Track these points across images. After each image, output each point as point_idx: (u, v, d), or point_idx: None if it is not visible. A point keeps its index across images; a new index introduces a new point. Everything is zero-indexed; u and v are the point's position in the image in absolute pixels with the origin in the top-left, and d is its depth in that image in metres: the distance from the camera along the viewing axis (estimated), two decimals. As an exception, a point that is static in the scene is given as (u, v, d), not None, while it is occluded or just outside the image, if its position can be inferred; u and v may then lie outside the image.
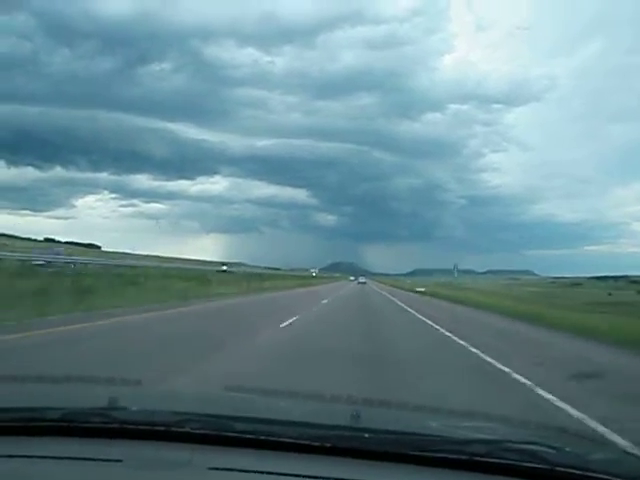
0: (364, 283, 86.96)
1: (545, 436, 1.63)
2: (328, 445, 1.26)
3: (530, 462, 1.21)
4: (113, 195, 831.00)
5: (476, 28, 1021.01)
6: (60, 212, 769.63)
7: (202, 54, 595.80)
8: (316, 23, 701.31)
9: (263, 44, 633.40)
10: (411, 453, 1.25)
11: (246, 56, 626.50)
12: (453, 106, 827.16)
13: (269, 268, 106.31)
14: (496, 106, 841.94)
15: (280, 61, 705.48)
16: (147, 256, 61.32)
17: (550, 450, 1.26)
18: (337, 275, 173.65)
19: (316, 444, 1.26)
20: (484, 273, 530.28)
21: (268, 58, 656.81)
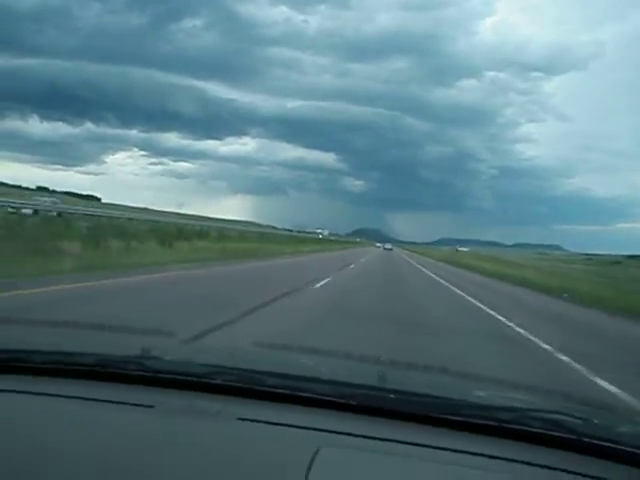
0: (390, 249, 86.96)
1: (572, 407, 1.61)
2: (354, 403, 1.29)
3: (557, 431, 1.20)
4: (143, 153, 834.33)
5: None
6: (91, 167, 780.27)
7: (234, 11, 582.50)
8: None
9: (297, 2, 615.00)
10: (435, 415, 1.26)
11: (279, 14, 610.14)
12: (490, 73, 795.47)
13: (293, 230, 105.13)
14: (535, 74, 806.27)
15: (314, 20, 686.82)
16: (168, 212, 60.55)
17: (577, 420, 1.26)
18: (359, 240, 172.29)
19: (342, 401, 1.29)
20: (511, 246, 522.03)
21: (302, 17, 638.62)
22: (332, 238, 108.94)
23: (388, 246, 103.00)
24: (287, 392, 1.32)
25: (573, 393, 3.38)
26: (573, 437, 1.19)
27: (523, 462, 1.14)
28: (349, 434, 1.19)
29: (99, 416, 1.22)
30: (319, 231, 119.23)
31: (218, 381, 1.34)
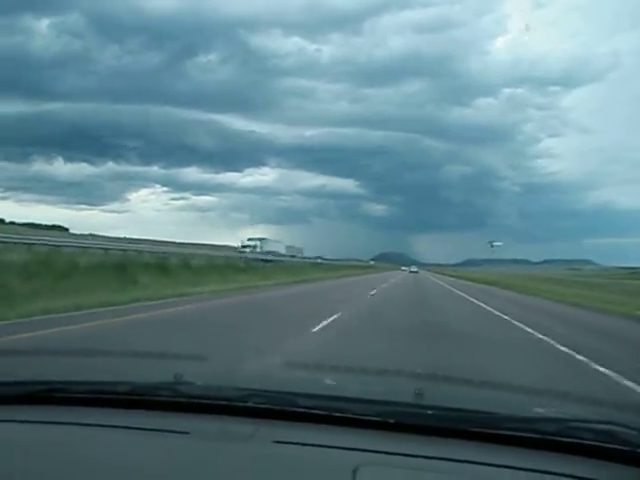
0: (416, 272, 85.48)
1: (623, 416, 1.52)
2: (391, 421, 1.26)
3: (608, 443, 1.15)
4: (165, 188, 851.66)
5: (532, 6, 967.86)
6: (115, 206, 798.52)
7: (248, 44, 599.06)
8: (363, 8, 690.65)
9: (309, 32, 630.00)
10: (477, 430, 1.22)
11: (292, 45, 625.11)
12: (507, 90, 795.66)
13: (323, 259, 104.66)
14: (553, 88, 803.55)
15: (327, 49, 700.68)
16: (195, 244, 59.69)
17: (630, 431, 1.19)
18: (386, 265, 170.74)
19: (379, 420, 1.27)
20: (540, 263, 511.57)
21: (315, 46, 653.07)
22: (377, 265, 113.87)
23: (414, 269, 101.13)
24: (322, 412, 1.30)
25: (625, 403, 3.20)
26: (627, 448, 1.14)
27: (572, 476, 1.09)
28: (387, 452, 1.16)
29: (136, 444, 1.22)
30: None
31: (250, 404, 1.33)
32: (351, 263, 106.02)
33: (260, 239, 58.11)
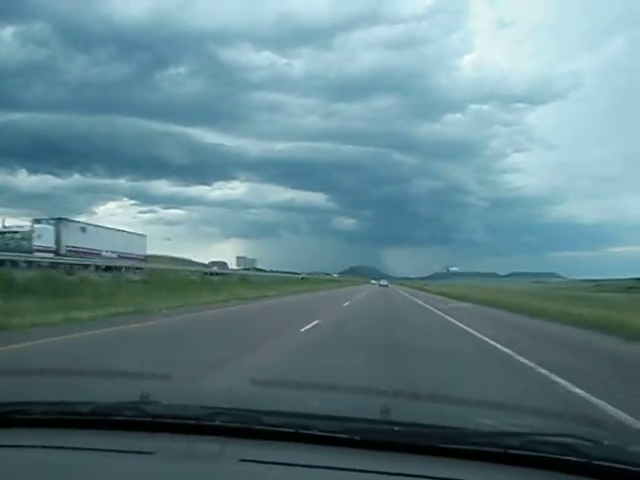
0: (386, 286, 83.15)
1: (580, 429, 1.59)
2: (357, 438, 1.27)
3: (567, 455, 1.19)
4: (132, 201, 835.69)
5: (497, 25, 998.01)
6: (81, 219, 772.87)
7: (218, 57, 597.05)
8: (333, 24, 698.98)
9: (280, 46, 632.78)
10: (442, 446, 1.24)
11: (263, 59, 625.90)
12: (474, 106, 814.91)
13: (287, 272, 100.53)
14: (518, 105, 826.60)
15: (297, 64, 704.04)
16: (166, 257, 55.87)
17: (587, 443, 1.24)
18: (355, 279, 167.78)
19: (345, 437, 1.27)
20: (507, 276, 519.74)
21: (285, 60, 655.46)
22: (344, 279, 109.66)
23: (384, 282, 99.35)
24: (289, 430, 1.29)
25: (581, 415, 3.37)
26: (584, 460, 1.17)
27: None
28: (355, 470, 1.16)
29: (100, 466, 1.20)
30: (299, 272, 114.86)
31: (217, 422, 1.32)
32: (315, 277, 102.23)
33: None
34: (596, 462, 1.17)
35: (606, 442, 1.32)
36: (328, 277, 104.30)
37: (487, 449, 1.23)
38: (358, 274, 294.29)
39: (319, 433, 1.28)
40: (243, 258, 61.39)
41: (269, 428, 1.30)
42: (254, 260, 64.27)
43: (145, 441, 1.29)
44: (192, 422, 1.34)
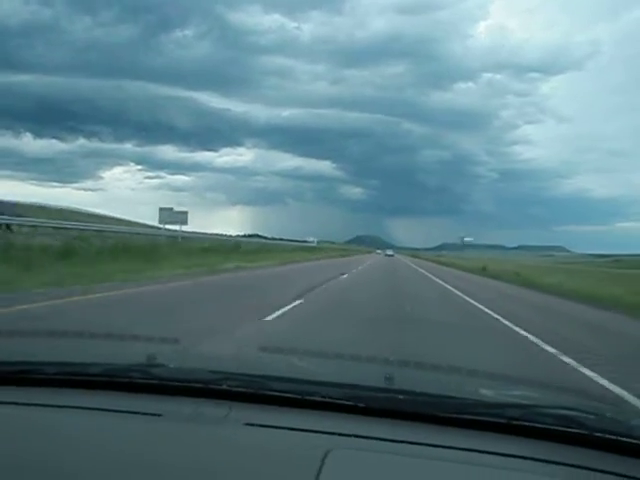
0: (392, 256, 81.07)
1: (582, 402, 1.61)
2: (361, 405, 1.28)
3: (569, 427, 1.20)
4: (139, 167, 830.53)
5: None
6: (88, 184, 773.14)
7: (226, 20, 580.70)
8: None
9: (289, 9, 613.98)
10: (445, 415, 1.25)
11: (272, 22, 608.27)
12: (487, 75, 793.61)
13: (292, 240, 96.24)
14: (532, 75, 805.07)
15: (307, 27, 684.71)
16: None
17: (589, 415, 1.26)
18: (360, 248, 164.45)
19: (349, 404, 1.28)
20: (514, 248, 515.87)
21: (294, 24, 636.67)
22: (324, 246, 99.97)
23: (390, 252, 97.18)
24: (294, 396, 1.31)
25: (585, 389, 3.41)
26: (585, 432, 1.19)
27: (534, 459, 1.13)
28: (358, 436, 1.18)
29: (107, 426, 1.22)
30: (311, 239, 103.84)
31: (224, 387, 1.34)
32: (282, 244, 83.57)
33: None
34: (597, 434, 1.18)
35: (608, 414, 1.34)
36: (303, 245, 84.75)
37: (490, 419, 1.24)
38: (363, 243, 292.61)
39: (323, 399, 1.29)
40: (169, 211, 40.81)
41: (275, 393, 1.31)
42: (185, 214, 41.53)
43: (153, 403, 1.31)
44: (199, 385, 1.35)
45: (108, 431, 1.18)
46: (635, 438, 1.16)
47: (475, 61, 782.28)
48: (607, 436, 1.17)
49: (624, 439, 1.16)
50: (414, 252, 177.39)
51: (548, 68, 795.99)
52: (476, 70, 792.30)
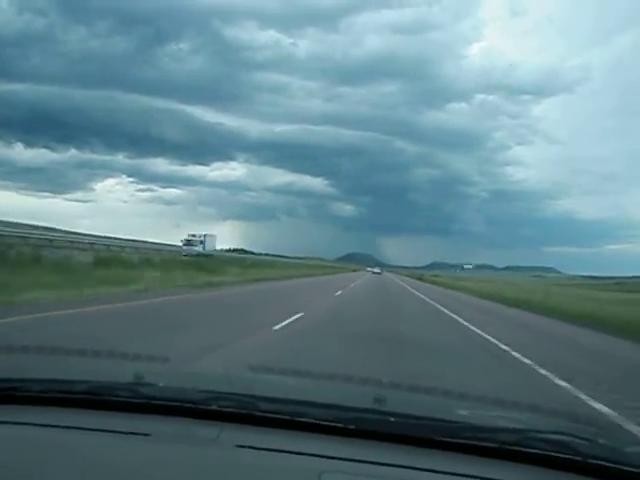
0: (379, 274, 77.92)
1: (576, 427, 1.58)
2: (352, 427, 1.26)
3: (561, 453, 1.18)
4: (131, 179, 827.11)
5: (508, 14, 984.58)
6: (79, 195, 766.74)
7: (221, 35, 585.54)
8: (340, 5, 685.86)
9: (285, 25, 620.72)
10: (437, 439, 1.23)
11: (267, 38, 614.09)
12: (480, 96, 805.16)
13: (281, 256, 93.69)
14: (525, 97, 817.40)
15: (302, 44, 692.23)
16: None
17: (582, 441, 1.23)
18: (350, 265, 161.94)
19: (340, 426, 1.26)
20: (504, 269, 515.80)
21: (290, 40, 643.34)
22: (313, 263, 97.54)
23: (377, 270, 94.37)
24: (286, 417, 1.29)
25: (577, 413, 3.25)
26: (578, 458, 1.17)
27: None
28: (350, 460, 1.16)
29: (95, 446, 1.18)
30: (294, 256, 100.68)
31: (214, 407, 1.31)
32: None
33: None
34: (591, 460, 1.17)
35: (601, 441, 1.31)
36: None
37: (482, 444, 1.22)
38: (354, 261, 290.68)
39: (315, 421, 1.27)
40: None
41: (266, 414, 1.29)
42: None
43: (141, 423, 1.28)
44: (189, 405, 1.32)
45: (95, 451, 1.15)
46: (629, 465, 1.15)
47: (468, 82, 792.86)
48: (601, 463, 1.15)
49: (618, 466, 1.15)
50: (400, 270, 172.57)
51: (540, 90, 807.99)
52: (469, 91, 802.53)
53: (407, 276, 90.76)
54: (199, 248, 52.34)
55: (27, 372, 1.60)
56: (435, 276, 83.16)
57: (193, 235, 55.82)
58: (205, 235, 57.42)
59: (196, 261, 33.02)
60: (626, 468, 1.14)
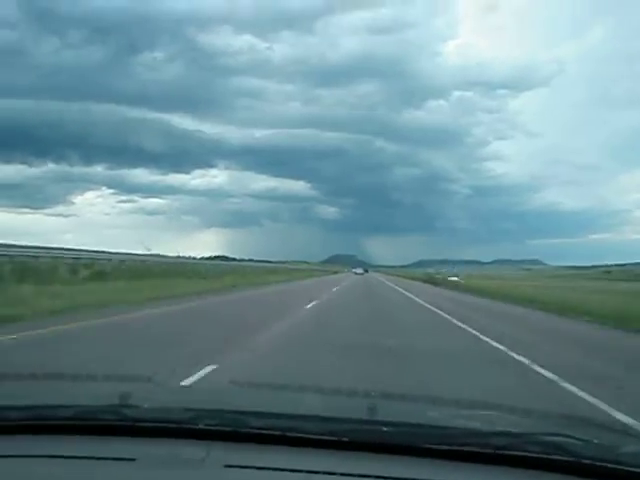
0: (361, 274, 75.43)
1: (570, 428, 1.56)
2: (345, 439, 1.23)
3: (556, 454, 1.17)
4: (111, 191, 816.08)
5: (482, 11, 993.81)
6: (60, 209, 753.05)
7: (196, 41, 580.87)
8: (315, 7, 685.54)
9: (261, 30, 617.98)
10: (431, 447, 1.21)
11: (243, 43, 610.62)
12: (457, 92, 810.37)
13: (264, 261, 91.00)
14: (501, 91, 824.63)
15: (278, 48, 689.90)
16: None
17: (576, 442, 1.22)
18: (334, 267, 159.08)
19: (333, 439, 1.23)
20: (490, 263, 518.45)
21: (266, 44, 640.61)
22: (302, 266, 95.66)
23: (359, 271, 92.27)
24: (274, 433, 1.24)
25: (571, 414, 3.26)
26: (573, 460, 1.16)
27: None
28: (344, 474, 1.13)
29: (79, 475, 1.14)
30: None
31: (201, 426, 1.26)
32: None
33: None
34: (585, 461, 1.16)
35: (596, 441, 1.30)
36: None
37: (476, 449, 1.20)
38: (339, 262, 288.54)
39: (306, 436, 1.23)
40: None
41: (255, 431, 1.25)
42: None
43: (126, 447, 1.23)
44: (175, 425, 1.28)
45: None
46: (623, 465, 1.14)
47: (445, 79, 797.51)
48: (596, 463, 1.15)
49: (613, 466, 1.14)
50: (387, 270, 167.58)
51: (516, 85, 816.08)
52: (447, 88, 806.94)
53: (403, 277, 73.51)
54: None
55: (4, 399, 1.52)
56: (454, 276, 55.51)
57: None
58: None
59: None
60: (621, 467, 1.14)
